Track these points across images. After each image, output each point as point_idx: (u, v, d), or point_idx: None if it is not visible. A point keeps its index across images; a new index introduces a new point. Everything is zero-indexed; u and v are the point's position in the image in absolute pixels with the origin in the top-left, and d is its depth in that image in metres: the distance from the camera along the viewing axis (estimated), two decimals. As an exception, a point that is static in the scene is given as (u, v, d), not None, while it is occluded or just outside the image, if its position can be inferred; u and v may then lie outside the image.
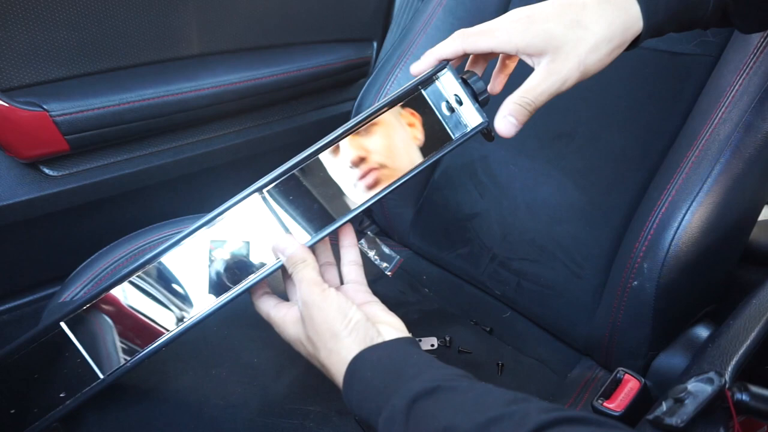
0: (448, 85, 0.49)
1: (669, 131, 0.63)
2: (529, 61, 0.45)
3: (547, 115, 0.71)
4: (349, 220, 0.50)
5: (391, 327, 0.45)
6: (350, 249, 0.51)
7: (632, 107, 0.66)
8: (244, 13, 0.91)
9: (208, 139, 0.94)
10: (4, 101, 0.69)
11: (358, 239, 0.88)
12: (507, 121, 0.45)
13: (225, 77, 0.88)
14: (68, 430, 0.51)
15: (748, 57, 0.56)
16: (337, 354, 0.42)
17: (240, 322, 0.64)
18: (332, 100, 1.11)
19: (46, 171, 0.78)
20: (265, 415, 0.55)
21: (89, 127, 0.76)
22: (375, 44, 1.12)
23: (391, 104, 0.49)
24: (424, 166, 0.49)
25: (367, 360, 0.41)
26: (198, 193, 0.99)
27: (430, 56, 0.48)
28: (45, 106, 0.72)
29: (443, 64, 0.48)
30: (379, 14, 1.10)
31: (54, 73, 0.76)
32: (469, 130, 0.49)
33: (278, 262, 0.48)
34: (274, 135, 1.03)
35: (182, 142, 0.91)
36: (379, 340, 0.43)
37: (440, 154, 0.49)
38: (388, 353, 0.41)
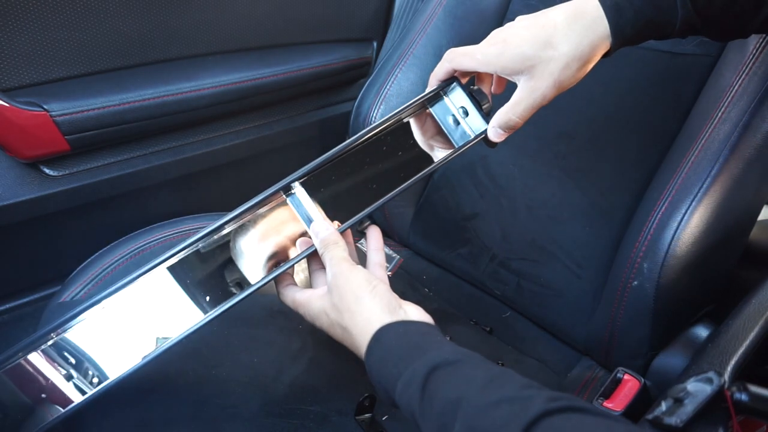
0: (457, 99, 0.55)
1: (669, 131, 0.63)
2: (509, 78, 0.50)
3: (548, 116, 0.71)
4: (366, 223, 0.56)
5: (415, 309, 0.48)
6: (377, 252, 0.54)
7: (632, 107, 0.67)
8: (245, 13, 0.91)
9: (208, 139, 0.94)
10: (4, 101, 0.69)
11: (358, 239, 0.89)
12: (495, 131, 0.52)
13: (225, 77, 0.88)
14: (68, 429, 0.51)
15: (748, 57, 0.56)
16: (360, 315, 0.45)
17: (240, 322, 0.64)
18: (332, 100, 1.11)
19: (47, 171, 0.78)
20: (265, 415, 0.55)
21: (89, 127, 0.76)
22: (375, 44, 1.12)
23: (406, 113, 0.54)
24: (435, 167, 0.55)
25: (392, 330, 0.43)
26: (198, 193, 0.99)
27: (432, 79, 0.54)
28: (45, 106, 0.72)
29: (451, 80, 0.54)
30: (379, 14, 1.10)
31: (54, 73, 0.76)
32: (473, 136, 0.54)
33: (311, 246, 0.51)
34: (274, 135, 1.03)
35: (182, 142, 0.91)
36: (403, 314, 0.45)
37: (448, 157, 0.55)
38: (415, 329, 0.44)
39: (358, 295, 0.46)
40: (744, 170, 0.55)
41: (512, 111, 0.49)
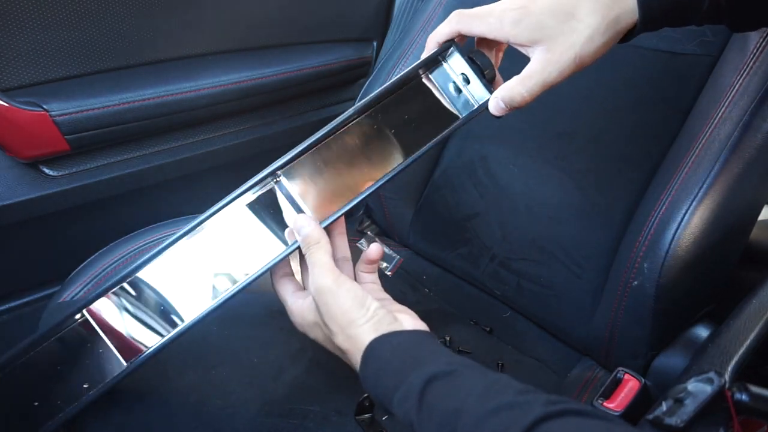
0: (456, 65, 0.50)
1: (669, 131, 0.63)
2: (521, 50, 0.45)
3: (548, 115, 0.72)
4: (351, 217, 0.51)
5: (409, 316, 0.47)
6: (369, 275, 0.52)
7: (632, 107, 0.66)
8: (244, 13, 0.91)
9: (208, 139, 0.94)
10: (4, 101, 0.69)
11: (358, 239, 0.89)
12: (496, 103, 0.47)
13: (225, 77, 0.88)
14: (67, 429, 0.51)
15: (748, 57, 0.56)
16: (356, 338, 0.43)
17: (240, 322, 0.64)
18: (332, 100, 1.11)
19: (46, 171, 0.78)
20: (265, 415, 0.55)
21: (89, 127, 0.76)
22: (375, 44, 1.12)
23: (400, 85, 0.50)
24: (434, 143, 0.50)
25: (387, 342, 0.42)
26: (198, 193, 0.99)
27: (431, 41, 0.49)
28: (45, 106, 0.72)
29: (449, 44, 0.49)
30: (379, 14, 1.10)
31: (54, 73, 0.76)
32: (476, 107, 0.50)
33: (294, 243, 0.48)
34: (274, 135, 1.03)
35: (182, 142, 0.91)
36: (398, 326, 0.44)
37: (448, 131, 0.50)
38: (409, 339, 0.43)
39: (351, 319, 0.44)
40: (744, 170, 0.55)
41: (522, 84, 0.44)
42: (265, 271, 0.49)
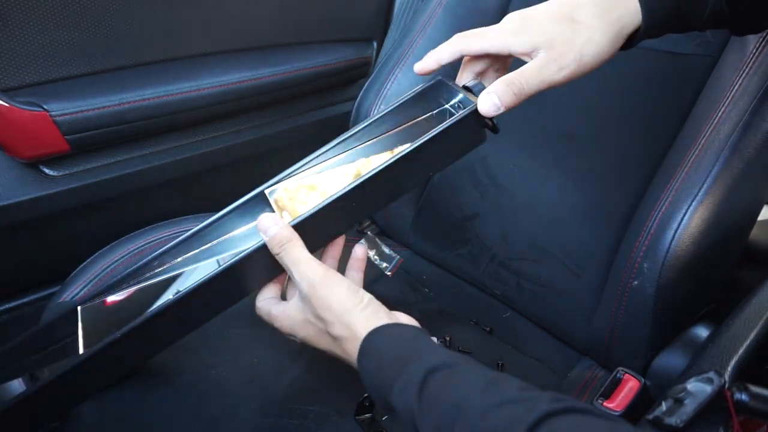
0: (454, 99, 0.50)
1: (669, 131, 0.63)
2: (525, 59, 0.45)
3: (547, 116, 0.72)
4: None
5: (403, 313, 0.47)
6: (357, 272, 0.52)
7: (632, 107, 0.67)
8: (245, 12, 0.91)
9: (208, 139, 0.94)
10: (4, 101, 0.69)
11: (358, 239, 0.89)
12: (489, 98, 0.44)
13: (225, 77, 0.88)
14: (66, 429, 0.51)
15: (748, 57, 0.56)
16: (353, 325, 0.43)
17: (240, 322, 0.64)
18: (332, 100, 1.11)
19: (46, 171, 0.78)
20: (265, 415, 0.55)
21: (89, 127, 0.76)
22: (375, 44, 1.12)
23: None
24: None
25: (385, 333, 0.42)
26: (198, 193, 0.99)
27: (431, 58, 0.49)
28: (45, 106, 0.72)
29: (438, 81, 0.51)
30: (379, 14, 1.10)
31: (54, 73, 0.76)
32: (466, 110, 0.48)
33: (260, 241, 0.46)
34: (274, 135, 1.03)
35: (182, 142, 0.91)
36: (395, 319, 0.44)
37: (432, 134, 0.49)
38: (407, 332, 0.43)
39: (347, 307, 0.44)
40: (744, 170, 0.55)
41: (519, 79, 0.43)
42: (237, 261, 0.47)
